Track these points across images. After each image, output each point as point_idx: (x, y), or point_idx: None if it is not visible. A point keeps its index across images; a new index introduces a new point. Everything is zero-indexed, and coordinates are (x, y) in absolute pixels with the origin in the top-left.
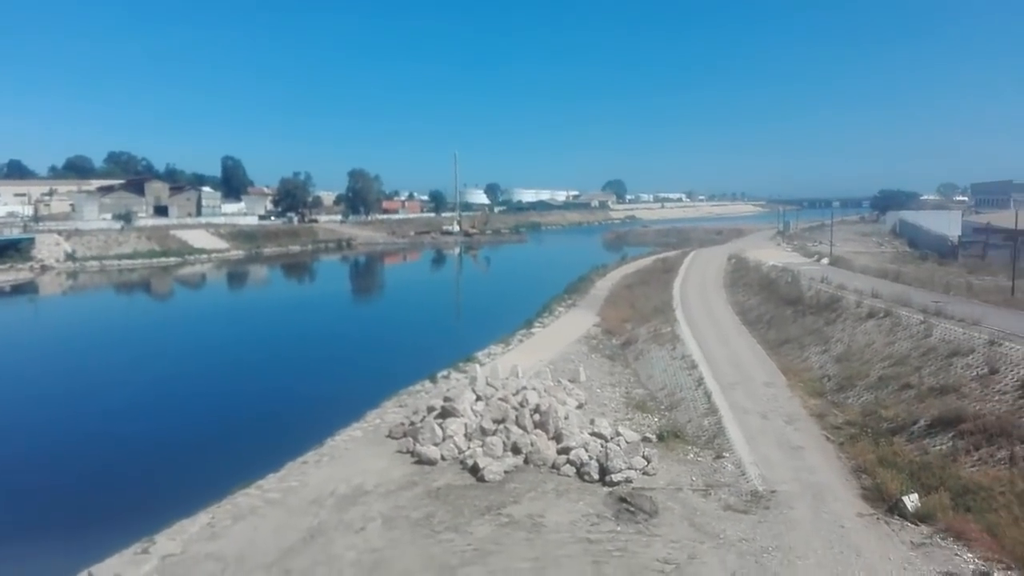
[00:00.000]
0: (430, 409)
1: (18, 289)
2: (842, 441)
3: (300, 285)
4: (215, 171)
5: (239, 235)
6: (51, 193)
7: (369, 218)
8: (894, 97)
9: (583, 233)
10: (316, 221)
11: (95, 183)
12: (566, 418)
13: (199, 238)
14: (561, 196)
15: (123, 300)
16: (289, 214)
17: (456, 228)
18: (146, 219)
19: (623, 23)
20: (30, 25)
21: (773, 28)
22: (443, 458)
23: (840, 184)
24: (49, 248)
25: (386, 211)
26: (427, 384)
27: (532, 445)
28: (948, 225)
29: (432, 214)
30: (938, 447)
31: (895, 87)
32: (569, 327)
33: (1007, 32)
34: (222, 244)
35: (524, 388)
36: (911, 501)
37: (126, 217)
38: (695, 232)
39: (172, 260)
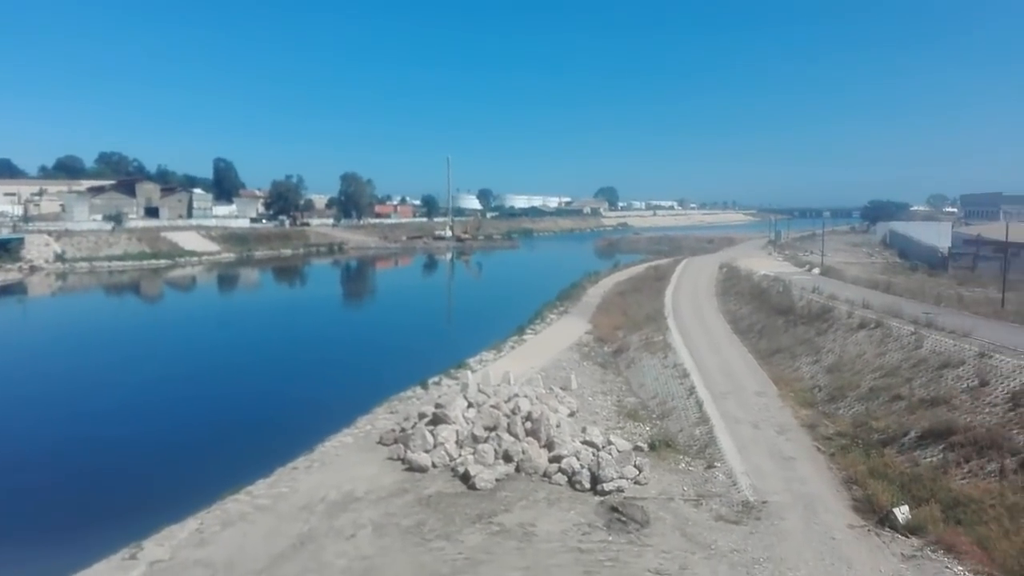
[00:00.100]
0: (421, 416)
1: (6, 290)
2: (833, 452)
3: (291, 289)
4: (207, 173)
5: (230, 238)
6: (41, 193)
7: (361, 222)
8: (885, 108)
9: (575, 240)
10: (308, 224)
11: (86, 183)
12: (558, 426)
13: (190, 240)
14: (553, 202)
15: (112, 302)
16: (281, 217)
17: (448, 233)
18: (137, 220)
19: (617, 31)
20: (22, 24)
21: (767, 39)
22: (434, 465)
23: (830, 194)
24: (38, 249)
25: (378, 215)
26: (418, 390)
27: (524, 453)
28: (938, 236)
29: (424, 219)
30: (929, 459)
31: (886, 98)
32: (561, 334)
33: (997, 44)
34: (213, 246)
35: (516, 395)
36: (902, 513)
37: (116, 218)
38: (687, 240)
39: (162, 262)
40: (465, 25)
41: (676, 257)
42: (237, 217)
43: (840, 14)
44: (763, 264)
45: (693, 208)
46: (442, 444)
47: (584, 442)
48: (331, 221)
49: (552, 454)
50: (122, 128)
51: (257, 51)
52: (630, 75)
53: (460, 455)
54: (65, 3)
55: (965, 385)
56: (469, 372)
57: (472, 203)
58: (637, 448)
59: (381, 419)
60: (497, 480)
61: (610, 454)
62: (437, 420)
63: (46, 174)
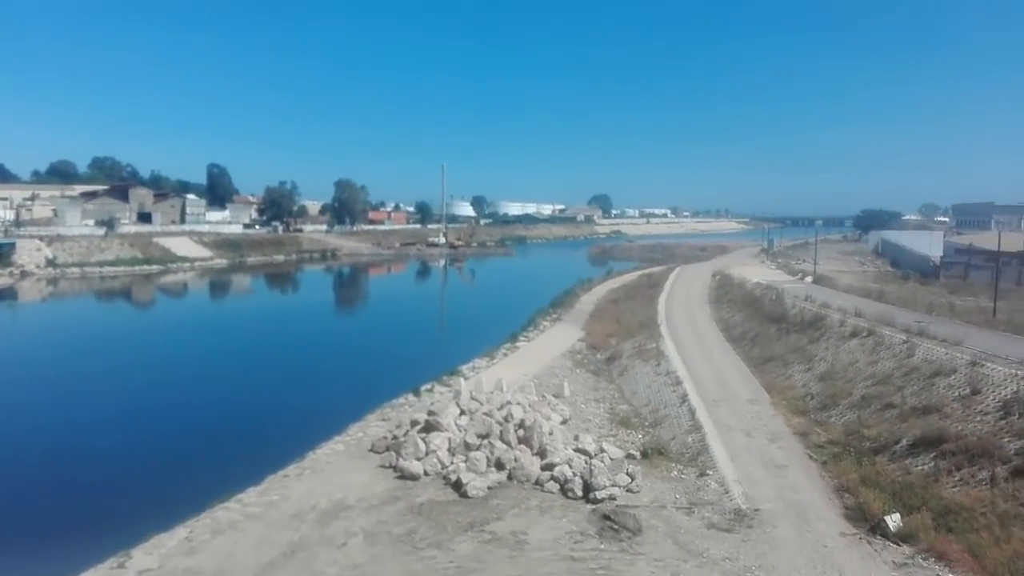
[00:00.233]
0: (413, 423)
1: None
2: (825, 460)
3: (283, 295)
4: (200, 178)
5: (223, 244)
6: (33, 198)
7: (355, 228)
8: (878, 118)
9: (569, 247)
10: (301, 231)
11: (78, 188)
12: (550, 434)
13: (183, 246)
14: (547, 210)
15: (104, 308)
16: (274, 223)
17: (442, 240)
18: (129, 226)
19: (613, 40)
20: (14, 29)
21: (759, 48)
22: (426, 473)
23: (823, 202)
24: (30, 253)
25: (372, 222)
26: (411, 397)
27: (516, 461)
28: (930, 245)
29: (418, 225)
30: (920, 467)
31: (879, 108)
32: (554, 341)
33: (990, 54)
34: (206, 252)
35: (509, 403)
36: (893, 521)
37: (109, 223)
38: (680, 248)
39: (155, 268)
40: (460, 33)
41: (669, 265)
42: (230, 223)
43: (833, 24)
44: (756, 272)
45: (686, 216)
46: (434, 452)
47: (577, 450)
48: (324, 227)
49: (544, 462)
50: (116, 133)
51: (251, 57)
52: (625, 83)
53: (452, 463)
54: (59, 8)
55: (957, 393)
56: (462, 379)
57: (466, 210)
58: (630, 456)
59: (373, 426)
60: (489, 488)
61: (603, 462)
62: (429, 427)
63: (39, 179)
